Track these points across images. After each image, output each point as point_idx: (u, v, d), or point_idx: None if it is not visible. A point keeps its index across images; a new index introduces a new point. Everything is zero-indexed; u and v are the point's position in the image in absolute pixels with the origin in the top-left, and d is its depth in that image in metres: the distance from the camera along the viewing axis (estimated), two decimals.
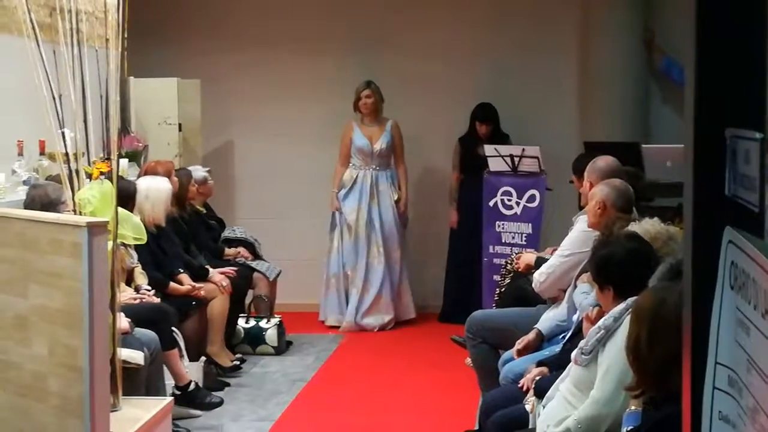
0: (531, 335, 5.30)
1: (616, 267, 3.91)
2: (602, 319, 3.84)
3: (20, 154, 6.25)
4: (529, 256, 6.15)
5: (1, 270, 4.16)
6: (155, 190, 6.56)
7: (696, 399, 1.76)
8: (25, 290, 4.06)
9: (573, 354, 3.96)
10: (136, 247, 6.03)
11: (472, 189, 8.70)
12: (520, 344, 5.24)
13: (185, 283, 6.75)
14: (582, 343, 3.89)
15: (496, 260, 8.03)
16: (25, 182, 5.97)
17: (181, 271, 6.81)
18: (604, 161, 5.52)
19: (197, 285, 6.79)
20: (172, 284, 6.65)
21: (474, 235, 8.53)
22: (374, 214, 8.81)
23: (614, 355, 3.64)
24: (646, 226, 4.28)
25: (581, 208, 5.85)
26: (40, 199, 5.28)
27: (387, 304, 8.84)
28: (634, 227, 4.32)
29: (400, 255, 8.93)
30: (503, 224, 8.20)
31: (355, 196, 8.81)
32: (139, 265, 6.37)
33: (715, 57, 1.75)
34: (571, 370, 3.97)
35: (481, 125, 8.82)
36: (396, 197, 8.85)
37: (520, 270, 6.17)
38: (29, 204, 5.32)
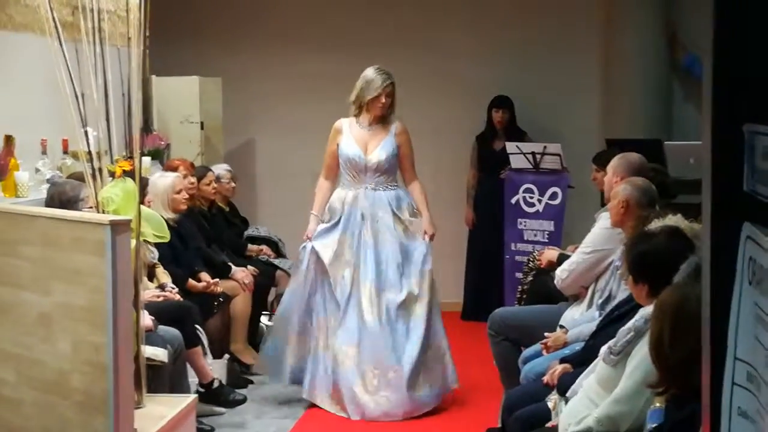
0: (559, 332, 5.30)
1: (654, 263, 3.83)
2: (632, 320, 3.83)
3: (44, 152, 6.31)
4: (551, 253, 6.14)
5: (24, 268, 4.18)
6: (152, 185, 6.56)
7: (715, 395, 1.76)
8: (48, 288, 4.08)
9: (601, 351, 3.95)
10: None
11: (489, 186, 8.71)
12: (548, 340, 5.23)
13: (203, 280, 6.77)
14: (611, 343, 3.88)
15: (518, 258, 8.04)
16: (48, 180, 6.01)
17: (201, 270, 6.82)
18: (634, 157, 5.51)
19: (212, 281, 6.80)
20: (191, 281, 6.67)
21: (493, 232, 8.54)
22: (367, 252, 6.43)
23: (642, 356, 3.63)
24: (670, 224, 4.26)
25: (603, 205, 5.84)
26: (59, 197, 5.31)
27: (389, 381, 6.33)
28: (657, 224, 4.30)
29: (427, 309, 6.44)
30: (525, 222, 8.20)
31: (340, 228, 6.46)
32: (161, 265, 6.39)
33: (734, 51, 1.74)
34: (597, 368, 3.96)
35: (496, 112, 8.83)
36: (410, 225, 6.54)
37: (542, 266, 6.16)
38: (49, 202, 5.36)
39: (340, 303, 6.38)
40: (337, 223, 6.47)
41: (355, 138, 6.54)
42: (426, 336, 6.38)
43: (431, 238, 6.56)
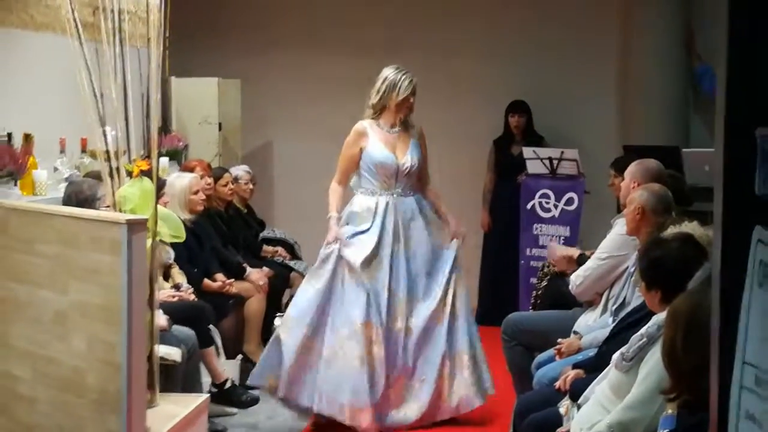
0: (572, 338, 5.29)
1: (666, 270, 3.83)
2: (645, 327, 3.82)
3: (62, 151, 6.34)
4: (571, 250, 6.13)
5: (41, 266, 4.20)
6: (169, 186, 6.57)
7: (724, 398, 1.76)
8: (65, 286, 4.09)
9: (614, 357, 3.94)
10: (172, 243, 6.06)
11: (505, 191, 8.72)
12: (562, 346, 5.22)
13: (218, 280, 6.80)
14: (624, 349, 3.87)
15: (533, 263, 8.04)
16: (66, 179, 6.04)
17: (217, 270, 6.85)
18: (651, 163, 5.51)
19: (227, 281, 6.83)
20: (206, 280, 6.70)
21: (508, 237, 8.55)
22: (400, 261, 6.15)
23: (654, 362, 3.62)
24: (686, 230, 4.25)
25: (620, 211, 5.84)
26: (76, 196, 5.34)
27: (415, 391, 6.18)
28: (673, 231, 4.29)
29: (451, 315, 6.20)
30: (541, 227, 8.21)
31: (373, 236, 6.13)
32: (176, 265, 6.42)
33: (747, 56, 1.75)
34: (610, 374, 3.96)
35: (512, 116, 8.85)
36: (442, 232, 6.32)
37: (557, 269, 6.17)
38: (66, 201, 5.40)
39: (367, 313, 6.00)
40: (367, 230, 6.12)
41: (382, 141, 6.23)
42: (452, 343, 6.18)
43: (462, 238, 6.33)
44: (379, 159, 6.19)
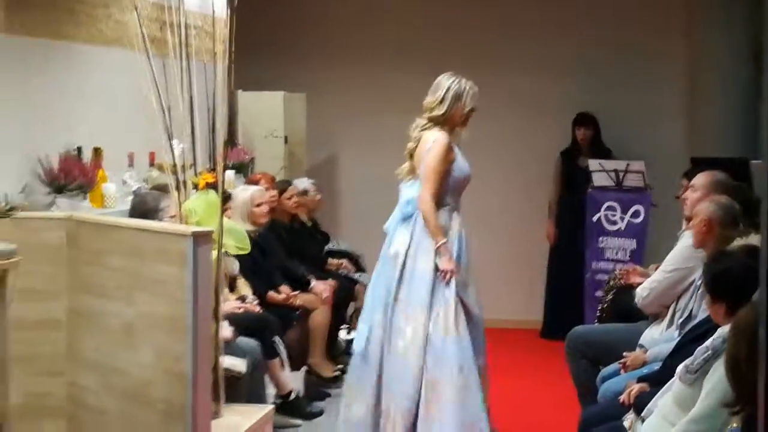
0: (638, 352, 5.26)
1: (731, 283, 3.81)
2: (710, 339, 3.79)
3: (131, 164, 6.43)
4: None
5: (109, 278, 4.26)
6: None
7: None
8: (131, 298, 4.15)
9: (678, 370, 3.91)
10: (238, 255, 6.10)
11: (571, 203, 8.67)
12: (627, 359, 5.19)
13: (283, 292, 6.84)
14: (688, 362, 3.84)
15: (598, 276, 7.97)
16: (134, 192, 6.12)
17: (281, 283, 6.90)
18: (719, 175, 5.47)
19: (293, 293, 6.88)
20: (271, 292, 6.75)
21: (574, 249, 8.50)
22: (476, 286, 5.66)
23: (719, 376, 3.59)
24: (754, 242, 4.21)
25: (688, 221, 5.78)
26: (140, 208, 5.42)
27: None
28: (738, 243, 4.25)
29: None
30: (606, 240, 8.15)
31: (463, 262, 5.52)
32: (241, 276, 6.46)
33: None
34: (674, 387, 3.92)
35: (579, 129, 8.82)
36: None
37: (624, 282, 6.13)
38: (131, 212, 5.48)
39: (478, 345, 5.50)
40: (460, 257, 5.50)
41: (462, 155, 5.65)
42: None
43: None
44: (467, 174, 5.63)
